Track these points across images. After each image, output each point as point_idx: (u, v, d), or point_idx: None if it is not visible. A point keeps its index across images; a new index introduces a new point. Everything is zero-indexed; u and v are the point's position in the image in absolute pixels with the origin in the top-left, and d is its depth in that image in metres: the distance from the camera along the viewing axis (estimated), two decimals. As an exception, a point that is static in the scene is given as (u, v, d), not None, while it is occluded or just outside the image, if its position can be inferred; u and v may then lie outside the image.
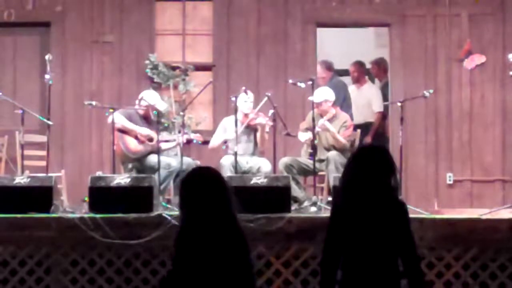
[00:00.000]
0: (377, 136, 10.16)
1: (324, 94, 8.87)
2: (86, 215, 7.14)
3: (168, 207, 7.76)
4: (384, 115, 10.41)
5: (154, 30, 10.21)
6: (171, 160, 8.57)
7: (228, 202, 4.12)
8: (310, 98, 8.57)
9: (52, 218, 7.18)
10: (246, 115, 8.75)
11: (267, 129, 8.62)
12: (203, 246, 4.01)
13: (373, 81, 11.66)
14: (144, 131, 8.59)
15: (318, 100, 8.72)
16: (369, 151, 4.66)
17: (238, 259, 4.06)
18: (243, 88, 8.65)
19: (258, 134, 8.75)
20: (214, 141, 8.90)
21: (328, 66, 9.98)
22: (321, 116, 8.81)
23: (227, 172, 8.31)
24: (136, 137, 8.59)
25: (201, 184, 4.12)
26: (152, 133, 8.58)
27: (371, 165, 4.43)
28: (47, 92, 8.39)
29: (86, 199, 7.54)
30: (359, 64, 10.66)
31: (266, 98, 8.51)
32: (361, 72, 10.67)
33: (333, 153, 8.59)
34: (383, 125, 10.44)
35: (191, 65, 10.04)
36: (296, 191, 8.30)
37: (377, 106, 10.38)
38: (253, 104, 8.80)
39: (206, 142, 8.94)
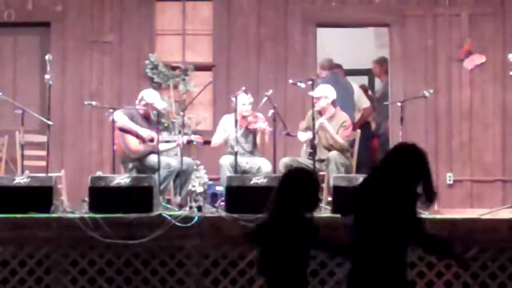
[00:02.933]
0: (364, 129, 10.17)
1: (323, 91, 8.88)
2: (86, 215, 7.15)
3: (168, 207, 7.77)
4: (372, 109, 10.62)
5: (154, 30, 10.22)
6: (171, 160, 8.57)
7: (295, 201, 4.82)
8: (310, 92, 8.57)
9: (52, 218, 7.18)
10: (244, 117, 8.74)
11: (266, 136, 8.61)
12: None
13: (373, 81, 11.68)
14: (144, 132, 8.58)
15: (316, 94, 8.71)
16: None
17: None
18: (243, 88, 8.65)
19: (258, 138, 8.76)
20: (216, 140, 8.89)
21: (322, 67, 10.13)
22: (320, 115, 8.81)
23: (226, 172, 8.31)
24: (137, 137, 8.60)
25: (284, 181, 4.94)
26: (153, 134, 8.59)
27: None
28: (47, 92, 8.39)
29: (86, 199, 7.55)
30: (337, 66, 10.67)
31: (265, 98, 8.51)
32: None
33: (333, 153, 8.59)
34: (370, 118, 10.68)
35: (191, 65, 10.04)
36: (296, 191, 8.28)
37: (362, 102, 10.43)
38: (252, 105, 8.79)
39: (206, 143, 8.94)
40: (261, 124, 8.64)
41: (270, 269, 4.79)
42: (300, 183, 4.87)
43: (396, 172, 4.58)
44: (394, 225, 4.51)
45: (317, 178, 5.01)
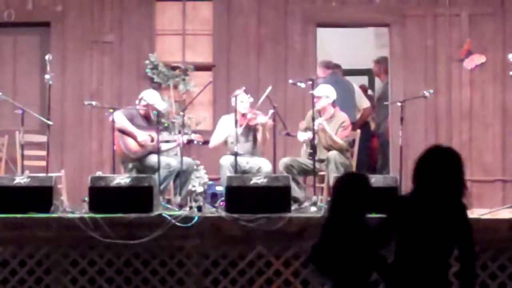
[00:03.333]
0: (363, 129, 10.17)
1: (325, 90, 8.87)
2: (86, 215, 7.15)
3: (168, 207, 7.77)
4: (371, 109, 10.61)
5: (154, 30, 10.22)
6: (171, 160, 8.57)
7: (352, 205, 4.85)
8: (311, 91, 8.56)
9: (52, 218, 7.19)
10: (243, 115, 8.75)
11: (267, 131, 8.60)
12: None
13: (373, 81, 11.68)
14: (142, 136, 8.55)
15: (317, 94, 8.71)
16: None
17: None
18: (243, 88, 8.65)
19: (260, 134, 8.75)
20: (216, 140, 8.87)
21: (325, 65, 10.14)
22: (320, 115, 8.81)
23: (226, 172, 8.30)
24: (136, 140, 8.58)
25: (342, 187, 4.97)
26: (152, 134, 8.58)
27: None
28: (47, 92, 8.39)
29: (86, 199, 7.55)
30: (336, 66, 10.68)
31: (270, 88, 8.48)
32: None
33: (333, 153, 8.58)
34: (370, 118, 10.69)
35: (191, 65, 10.04)
36: (296, 191, 8.30)
37: (362, 102, 10.43)
38: (251, 104, 8.78)
39: (206, 142, 8.94)
40: (262, 117, 8.62)
41: (333, 272, 4.83)
42: (355, 188, 4.90)
43: (445, 181, 4.57)
44: (446, 235, 4.55)
45: (370, 183, 5.01)
